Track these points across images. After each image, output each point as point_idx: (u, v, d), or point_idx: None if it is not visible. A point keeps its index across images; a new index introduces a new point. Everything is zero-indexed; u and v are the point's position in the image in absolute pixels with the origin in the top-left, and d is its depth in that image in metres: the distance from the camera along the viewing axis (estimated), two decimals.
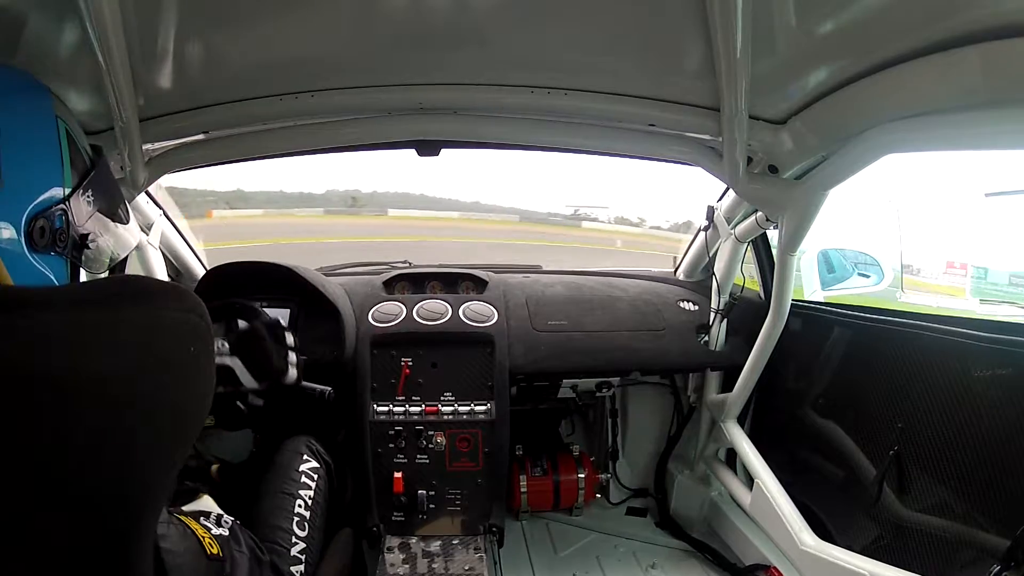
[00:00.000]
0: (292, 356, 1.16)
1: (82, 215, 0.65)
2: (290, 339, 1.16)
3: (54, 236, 0.61)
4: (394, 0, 1.01)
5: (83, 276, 0.71)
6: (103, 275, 0.71)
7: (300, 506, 1.17)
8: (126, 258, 1.19)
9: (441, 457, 1.70)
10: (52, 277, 0.61)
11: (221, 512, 0.95)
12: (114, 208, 0.72)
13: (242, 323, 1.21)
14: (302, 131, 1.41)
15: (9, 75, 0.63)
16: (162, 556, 0.64)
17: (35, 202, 0.59)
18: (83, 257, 0.66)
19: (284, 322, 1.67)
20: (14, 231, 0.58)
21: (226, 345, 1.10)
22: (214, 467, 1.26)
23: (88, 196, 0.66)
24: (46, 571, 0.44)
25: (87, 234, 0.66)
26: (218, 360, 1.08)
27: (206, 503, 0.99)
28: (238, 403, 1.13)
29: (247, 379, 1.10)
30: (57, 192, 0.62)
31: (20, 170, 0.58)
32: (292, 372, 1.16)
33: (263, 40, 1.10)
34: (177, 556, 0.68)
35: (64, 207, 0.63)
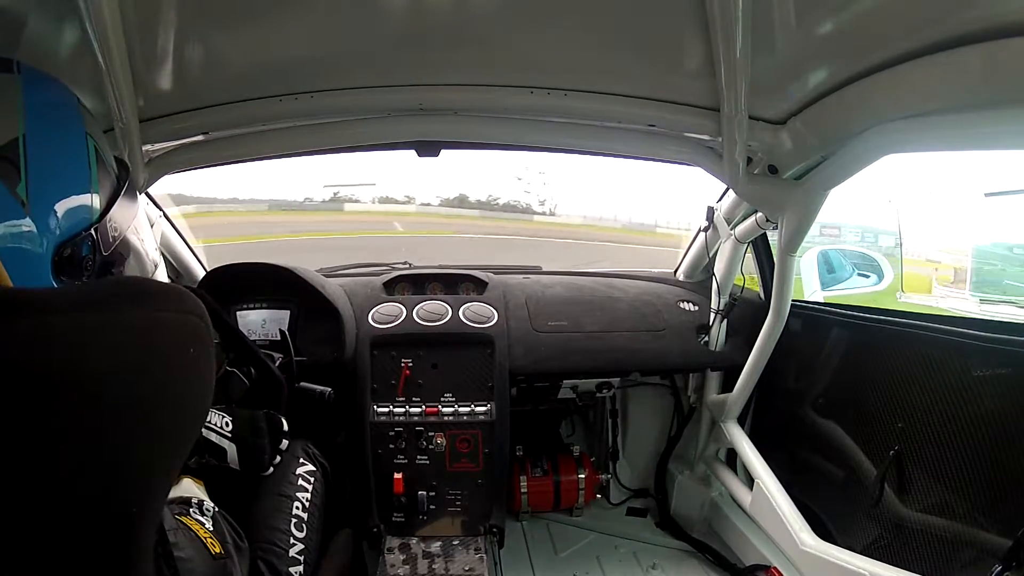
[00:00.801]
0: (278, 458, 1.19)
1: (108, 242, 0.63)
2: (284, 443, 1.19)
3: (81, 264, 0.59)
4: (394, 1, 1.01)
5: None
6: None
7: (298, 508, 1.17)
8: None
9: (441, 458, 1.70)
10: None
11: (203, 498, 0.93)
12: (138, 228, 0.69)
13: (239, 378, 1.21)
14: (302, 132, 1.41)
15: (48, 93, 0.60)
16: (175, 564, 0.63)
17: (63, 229, 0.57)
18: None
19: (284, 324, 1.68)
20: (42, 260, 0.56)
21: (229, 426, 1.12)
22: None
23: (114, 222, 0.64)
24: (47, 572, 0.44)
25: (112, 261, 0.64)
26: (216, 440, 1.09)
27: (186, 487, 0.96)
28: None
29: (233, 462, 1.12)
30: (84, 218, 0.60)
31: (49, 196, 0.56)
32: (271, 469, 1.19)
33: (263, 41, 1.10)
34: (189, 562, 0.67)
35: (91, 233, 0.60)
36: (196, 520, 0.81)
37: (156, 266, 0.77)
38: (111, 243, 0.63)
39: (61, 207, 0.57)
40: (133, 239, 0.68)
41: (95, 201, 0.61)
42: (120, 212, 0.65)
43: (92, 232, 0.61)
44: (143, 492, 0.49)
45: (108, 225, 0.63)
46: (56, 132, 0.59)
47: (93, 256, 0.61)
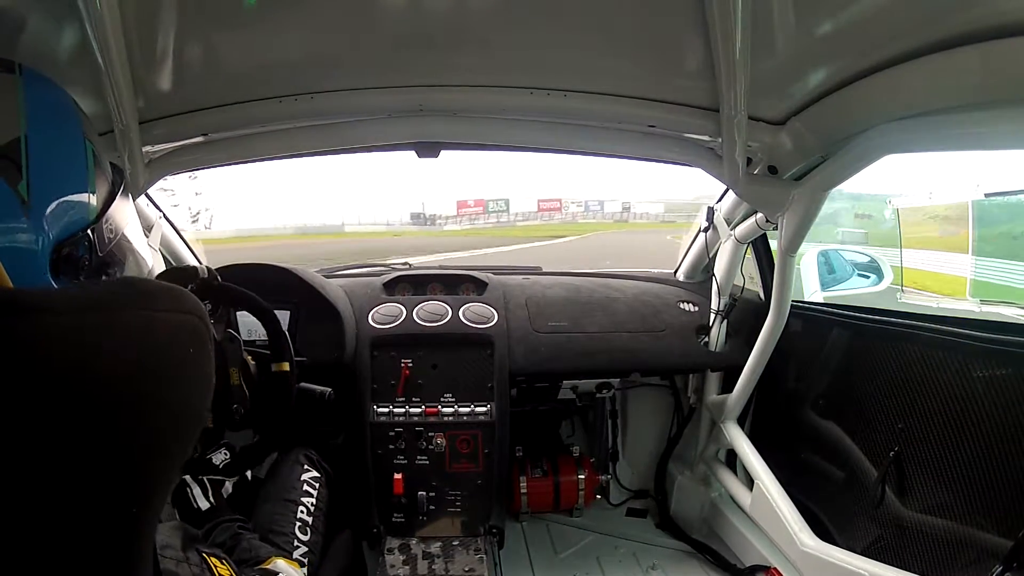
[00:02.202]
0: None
1: (104, 243, 0.64)
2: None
3: (77, 264, 0.59)
4: (394, 2, 1.01)
5: None
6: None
7: (303, 512, 1.19)
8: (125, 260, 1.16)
9: (441, 458, 1.70)
10: None
11: None
12: (132, 231, 0.70)
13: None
14: (302, 133, 1.41)
15: (48, 95, 0.61)
16: None
17: (61, 228, 0.58)
18: None
19: (284, 325, 1.68)
20: (40, 258, 0.56)
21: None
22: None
23: (110, 223, 0.65)
24: (45, 574, 0.44)
25: (107, 262, 0.65)
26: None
27: (280, 566, 0.96)
28: (234, 407, 1.17)
29: (227, 491, 1.16)
30: (82, 218, 0.60)
31: (48, 192, 0.57)
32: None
33: (263, 42, 1.10)
34: None
35: (88, 234, 0.61)
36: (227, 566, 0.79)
37: (151, 268, 0.77)
38: (107, 244, 0.64)
39: (60, 207, 0.58)
40: (127, 241, 0.69)
41: (92, 201, 0.62)
42: (116, 214, 0.66)
43: (89, 232, 0.61)
44: (143, 493, 0.49)
45: (104, 226, 0.64)
46: (55, 133, 0.60)
47: (89, 256, 0.61)
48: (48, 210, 0.57)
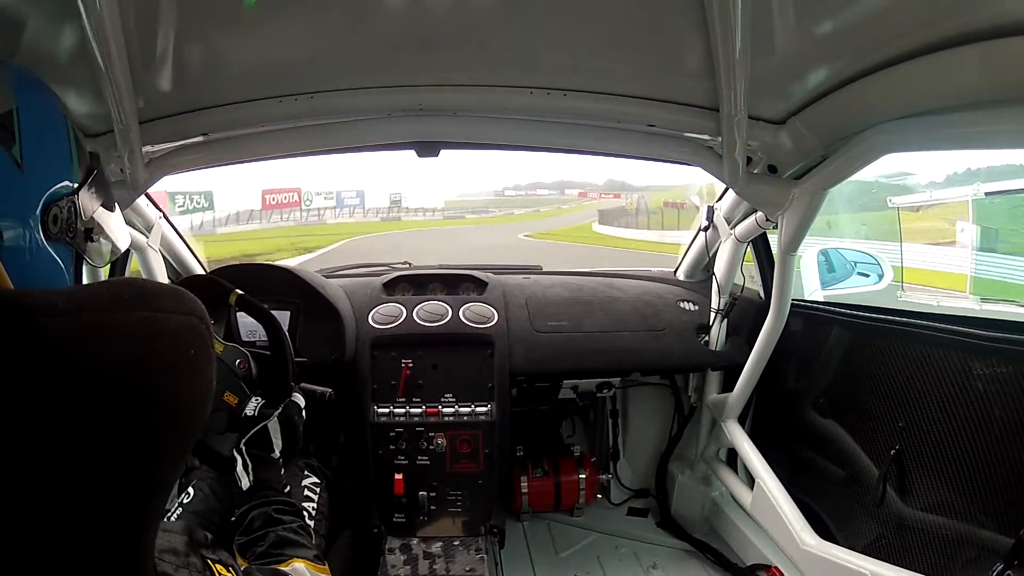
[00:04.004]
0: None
1: (87, 210, 0.68)
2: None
3: (66, 226, 0.64)
4: (394, 2, 1.01)
5: (85, 270, 0.72)
6: (103, 269, 0.72)
7: (303, 516, 1.19)
8: (126, 260, 1.15)
9: (442, 458, 1.70)
10: (62, 265, 0.64)
11: None
12: (110, 209, 0.75)
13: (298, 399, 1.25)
14: (302, 133, 1.40)
15: (30, 81, 0.65)
16: None
17: (50, 190, 0.62)
18: (88, 249, 0.69)
19: (284, 325, 1.68)
20: (32, 216, 0.60)
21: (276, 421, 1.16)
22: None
23: (92, 192, 0.69)
24: (47, 573, 0.44)
25: (92, 228, 0.69)
26: (270, 424, 1.14)
27: (299, 570, 0.93)
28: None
29: (277, 444, 1.15)
30: (67, 184, 0.65)
31: (38, 157, 0.61)
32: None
33: (262, 42, 1.10)
34: None
35: (73, 199, 0.65)
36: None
37: (128, 240, 0.81)
38: (90, 212, 0.69)
39: (49, 171, 0.63)
40: (105, 216, 0.74)
41: (75, 171, 0.67)
42: (96, 187, 0.71)
43: (74, 198, 0.66)
44: (145, 493, 0.49)
45: (87, 194, 0.68)
46: (41, 113, 0.64)
47: (75, 220, 0.66)
48: (40, 174, 0.61)
